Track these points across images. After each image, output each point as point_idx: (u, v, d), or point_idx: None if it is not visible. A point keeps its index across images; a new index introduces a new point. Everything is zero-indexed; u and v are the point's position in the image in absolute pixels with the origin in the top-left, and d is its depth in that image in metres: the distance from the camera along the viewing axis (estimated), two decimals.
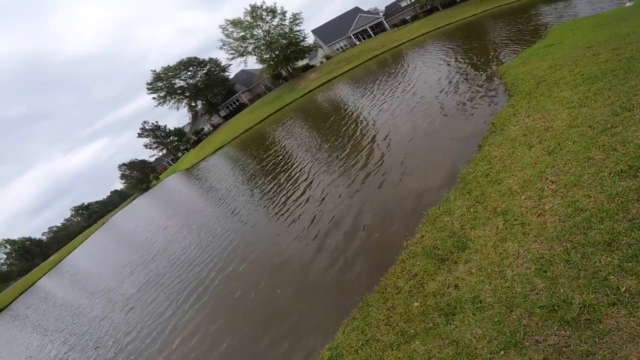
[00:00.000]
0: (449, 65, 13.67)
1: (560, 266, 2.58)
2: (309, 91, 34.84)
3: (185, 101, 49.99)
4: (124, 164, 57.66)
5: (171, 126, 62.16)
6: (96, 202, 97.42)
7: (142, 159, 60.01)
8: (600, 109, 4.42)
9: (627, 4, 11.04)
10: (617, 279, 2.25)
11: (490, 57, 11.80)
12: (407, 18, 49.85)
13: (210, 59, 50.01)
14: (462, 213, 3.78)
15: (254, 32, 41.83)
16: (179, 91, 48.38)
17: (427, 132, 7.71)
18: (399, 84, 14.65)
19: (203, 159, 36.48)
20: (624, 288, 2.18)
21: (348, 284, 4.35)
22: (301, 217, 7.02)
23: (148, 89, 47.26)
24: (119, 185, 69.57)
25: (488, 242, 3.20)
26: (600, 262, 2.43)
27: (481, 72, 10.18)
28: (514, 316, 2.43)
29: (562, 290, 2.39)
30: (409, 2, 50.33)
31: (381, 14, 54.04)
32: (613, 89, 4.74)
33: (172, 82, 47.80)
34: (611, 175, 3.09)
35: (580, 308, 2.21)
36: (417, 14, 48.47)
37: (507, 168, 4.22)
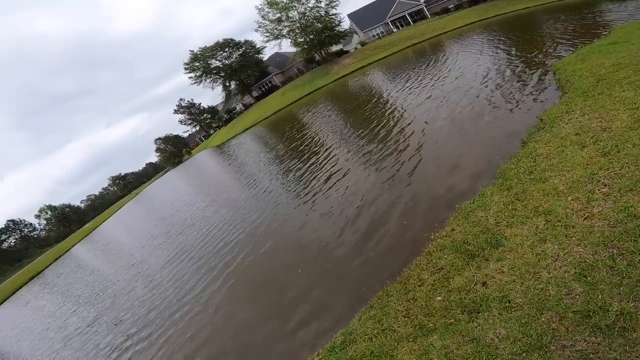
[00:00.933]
0: (494, 57, 12.82)
1: (602, 272, 2.42)
2: (342, 76, 34.15)
3: (220, 81, 51.42)
4: (159, 138, 60.57)
5: (205, 104, 64.02)
6: (132, 173, 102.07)
7: (176, 134, 62.65)
8: None
9: None
10: None
11: (544, 51, 10.88)
12: (450, 7, 46.93)
13: (246, 41, 50.74)
14: (498, 209, 3.57)
15: (290, 14, 41.41)
16: (214, 71, 49.75)
17: (465, 124, 7.38)
18: (437, 73, 13.96)
19: (233, 137, 37.42)
20: None
21: (370, 270, 4.26)
22: (329, 201, 6.99)
23: (185, 68, 48.89)
24: (154, 158, 73.05)
25: (525, 242, 3.00)
26: None
27: (532, 67, 9.42)
28: (543, 319, 2.31)
29: (600, 296, 2.25)
30: None
31: (422, 0, 51.35)
32: None
33: (209, 62, 49.21)
34: None
35: (617, 315, 2.08)
36: (462, 2, 45.52)
37: (554, 167, 3.92)
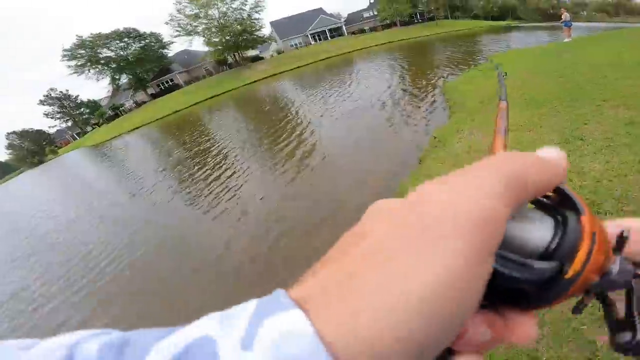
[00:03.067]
0: (395, 75, 13.56)
1: None
2: (253, 81, 32.99)
3: (108, 73, 43.46)
4: (14, 132, 47.82)
5: (84, 97, 53.39)
6: None
7: (39, 129, 50.41)
8: (547, 135, 4.05)
9: (566, 40, 11.98)
10: None
11: (436, 73, 11.86)
12: (365, 28, 51.15)
13: (152, 33, 44.66)
14: None
15: (209, 12, 38.41)
16: (102, 61, 41.86)
17: (366, 139, 6.92)
18: (344, 87, 14.08)
19: (117, 136, 31.56)
20: None
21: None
22: (219, 207, 5.69)
23: (64, 55, 39.80)
24: (3, 155, 57.09)
25: None
26: None
27: (426, 86, 9.97)
28: None
29: None
30: (372, 15, 51.74)
31: (342, 19, 54.57)
32: (560, 115, 4.38)
33: (98, 51, 41.21)
34: None
35: None
36: (376, 26, 50.15)
37: None
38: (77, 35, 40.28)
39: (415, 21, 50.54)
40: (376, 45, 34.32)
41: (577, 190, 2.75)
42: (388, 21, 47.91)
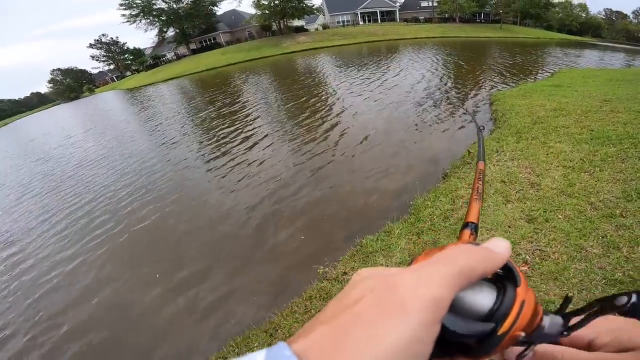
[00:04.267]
0: (439, 73, 12.41)
1: None
2: (291, 52, 32.06)
3: (158, 24, 43.76)
4: (58, 69, 50.13)
5: (131, 45, 54.87)
6: (8, 100, 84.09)
7: (82, 68, 52.60)
8: (607, 182, 3.26)
9: None
10: None
11: (486, 78, 10.66)
12: (420, 18, 47.91)
13: None
14: (402, 260, 2.86)
15: None
16: (154, 12, 42.02)
17: (391, 138, 6.25)
18: (382, 77, 13.05)
19: (151, 84, 32.06)
20: None
21: (231, 307, 2.99)
22: (236, 188, 5.34)
23: (121, 4, 40.47)
24: (44, 88, 60.27)
25: None
26: None
27: (472, 92, 8.94)
28: None
29: None
30: (430, 5, 48.19)
31: (398, 3, 51.31)
32: (629, 161, 3.52)
33: (152, 2, 41.39)
34: (603, 283, 2.22)
35: None
36: (432, 17, 46.78)
37: None
38: None
39: (477, 20, 46.63)
40: (428, 38, 32.02)
41: (622, 261, 2.31)
42: (447, 15, 44.45)
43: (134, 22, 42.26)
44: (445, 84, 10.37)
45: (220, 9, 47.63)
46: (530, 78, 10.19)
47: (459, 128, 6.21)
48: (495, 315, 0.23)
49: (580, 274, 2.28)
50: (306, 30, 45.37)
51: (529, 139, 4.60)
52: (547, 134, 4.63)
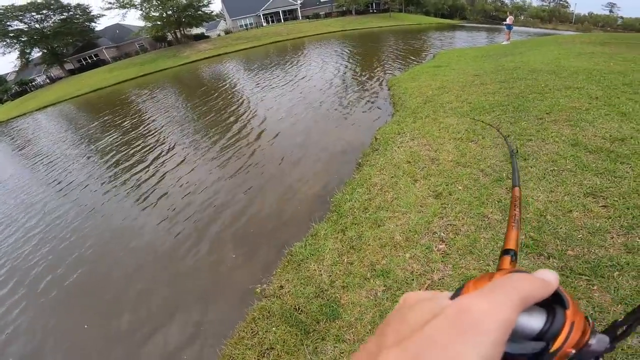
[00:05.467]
0: (342, 66, 12.97)
1: None
2: (193, 61, 30.23)
3: (17, 46, 36.39)
4: None
5: None
6: None
7: None
8: (490, 149, 3.64)
9: (504, 42, 12.29)
10: None
11: (383, 66, 11.45)
12: (321, 13, 49.72)
13: (78, 5, 38.17)
14: (333, 261, 2.85)
15: None
16: (11, 34, 34.86)
17: (304, 134, 6.16)
18: (290, 74, 13.11)
19: (23, 114, 26.62)
20: None
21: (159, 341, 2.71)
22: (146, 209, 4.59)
23: None
24: None
25: (364, 315, 2.29)
26: None
27: (371, 79, 9.49)
28: None
29: None
30: None
31: (299, 1, 52.28)
32: (503, 126, 4.02)
33: (7, 23, 34.20)
34: None
35: None
36: (332, 12, 48.98)
37: (389, 205, 3.24)
38: None
39: (370, 11, 50.54)
40: (329, 33, 33.47)
41: (522, 222, 2.45)
42: (344, 8, 47.12)
43: None
44: (349, 76, 10.80)
45: (100, 25, 41.90)
46: (417, 61, 11.31)
47: (363, 116, 6.45)
48: (547, 335, 0.25)
49: (490, 243, 2.42)
50: (207, 37, 42.91)
51: (423, 118, 4.97)
52: (437, 111, 5.06)
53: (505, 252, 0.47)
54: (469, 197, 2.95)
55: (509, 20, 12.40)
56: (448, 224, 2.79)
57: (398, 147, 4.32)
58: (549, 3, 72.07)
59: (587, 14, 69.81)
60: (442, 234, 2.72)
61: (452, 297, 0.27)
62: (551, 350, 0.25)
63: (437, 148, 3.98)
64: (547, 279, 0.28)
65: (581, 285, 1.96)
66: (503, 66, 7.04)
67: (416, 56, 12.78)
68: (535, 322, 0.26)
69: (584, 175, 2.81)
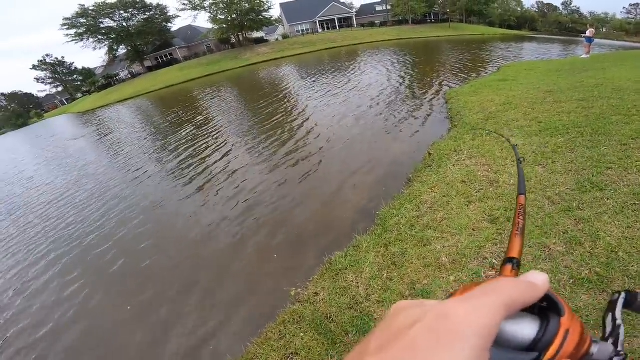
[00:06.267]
0: (396, 75, 12.73)
1: None
2: (253, 64, 31.82)
3: (107, 43, 41.63)
4: (2, 94, 46.35)
5: (80, 65, 52.06)
6: None
7: (28, 92, 49.08)
8: (560, 175, 3.31)
9: (583, 56, 11.15)
10: None
11: (440, 77, 11.02)
12: (376, 22, 49.59)
13: (158, 5, 42.87)
14: (372, 275, 2.78)
15: None
16: (103, 31, 39.98)
17: (356, 143, 6.22)
18: (343, 81, 13.20)
19: (106, 105, 30.26)
20: None
21: (207, 336, 2.82)
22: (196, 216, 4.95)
23: (64, 24, 38.08)
24: None
25: None
26: None
27: (427, 90, 9.19)
28: None
29: None
30: (385, 9, 50.12)
31: (354, 10, 52.77)
32: (578, 151, 3.62)
33: (100, 20, 39.37)
34: (571, 283, 2.17)
35: None
36: (387, 21, 48.60)
37: (438, 225, 3.10)
38: (79, 4, 38.50)
39: (428, 20, 49.11)
40: (384, 41, 33.19)
41: (587, 257, 2.30)
42: (400, 17, 46.41)
43: (80, 40, 39.82)
44: (404, 86, 10.59)
45: (175, 25, 46.50)
46: (479, 74, 10.68)
47: (417, 129, 6.27)
48: (539, 344, 0.24)
49: (548, 275, 2.23)
50: (266, 41, 45.25)
51: (483, 135, 4.68)
52: (500, 129, 4.74)
53: (508, 260, 0.46)
54: (530, 225, 2.72)
55: (589, 32, 11.19)
56: (502, 251, 2.61)
57: (453, 165, 4.13)
58: (636, 16, 63.60)
59: None
60: (494, 261, 2.55)
61: None
62: None
63: (497, 169, 3.73)
64: (535, 282, 0.26)
65: None
66: (582, 82, 6.35)
67: (478, 68, 12.11)
68: (527, 330, 0.25)
69: None
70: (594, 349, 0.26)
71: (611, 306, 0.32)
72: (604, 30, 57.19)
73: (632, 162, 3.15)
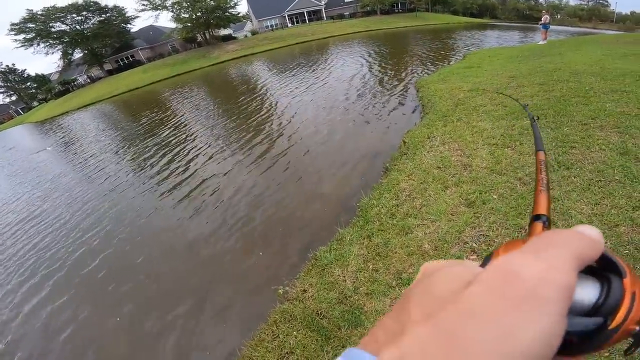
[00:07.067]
0: (368, 67, 12.86)
1: None
2: (222, 62, 31.08)
3: (60, 47, 39.08)
4: None
5: (33, 71, 48.68)
6: None
7: None
8: (528, 155, 3.49)
9: (541, 42, 11.70)
10: None
11: (409, 67, 11.23)
12: (345, 14, 49.58)
13: (115, 7, 40.58)
14: (358, 267, 2.81)
15: None
16: (54, 35, 37.53)
17: (332, 136, 6.21)
18: (316, 75, 13.16)
19: (66, 112, 28.41)
20: None
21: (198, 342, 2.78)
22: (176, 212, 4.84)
23: (11, 29, 35.49)
24: None
25: None
26: None
27: (398, 80, 9.33)
28: None
29: None
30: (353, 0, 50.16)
31: (323, 2, 52.42)
32: (543, 132, 3.80)
33: (50, 25, 36.90)
34: None
35: None
36: (356, 12, 48.73)
37: (418, 212, 3.17)
38: (27, 9, 35.78)
39: (396, 10, 49.73)
40: (352, 33, 33.35)
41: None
42: (369, 8, 46.69)
43: (30, 46, 37.11)
44: (376, 77, 10.68)
45: (135, 26, 44.19)
46: (446, 62, 10.97)
47: (390, 119, 6.35)
48: (602, 309, 0.21)
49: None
50: (235, 38, 44.03)
51: (454, 121, 4.82)
52: (469, 114, 4.89)
53: (536, 217, 0.41)
54: (505, 207, 2.83)
55: (544, 19, 11.77)
56: (481, 234, 2.69)
57: (427, 151, 4.21)
58: (588, 2, 67.89)
59: (629, 13, 65.11)
60: (474, 245, 2.62)
61: (483, 266, 0.23)
62: (610, 327, 0.21)
63: (469, 154, 3.85)
64: (593, 237, 0.22)
65: None
66: (541, 67, 6.67)
67: (445, 56, 12.44)
68: (588, 293, 0.22)
69: (633, 187, 2.63)
70: None
71: None
72: (559, 16, 60.55)
73: (594, 141, 3.35)
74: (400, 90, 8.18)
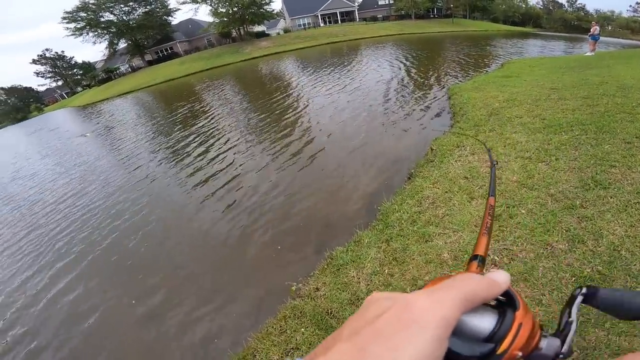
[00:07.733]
0: (399, 70, 12.64)
1: None
2: (254, 58, 31.61)
3: (107, 37, 41.43)
4: (1, 88, 46.40)
5: (80, 59, 52.20)
6: None
7: (28, 86, 49.15)
8: (564, 172, 3.29)
9: (588, 54, 11.05)
10: None
11: (442, 73, 10.94)
12: (378, 16, 49.14)
13: None
14: (373, 271, 2.77)
15: None
16: (103, 25, 39.78)
17: (357, 137, 6.21)
18: (351, 76, 13.10)
19: (106, 99, 30.08)
20: None
21: (207, 331, 2.86)
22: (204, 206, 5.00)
23: (64, 17, 37.89)
24: None
25: None
26: None
27: (430, 87, 9.11)
28: None
29: None
30: (387, 2, 49.58)
31: (357, 3, 52.25)
32: (582, 148, 3.59)
33: (100, 14, 39.13)
34: (573, 281, 2.16)
35: None
36: (390, 15, 48.16)
37: (440, 221, 3.09)
38: None
39: (431, 16, 48.63)
40: (385, 36, 32.92)
41: (589, 256, 2.28)
42: (403, 12, 45.95)
43: (80, 35, 39.59)
44: (406, 81, 10.51)
45: (176, 19, 46.14)
46: (483, 70, 10.59)
47: (419, 125, 6.25)
48: (495, 336, 0.26)
49: (549, 272, 2.22)
50: (268, 35, 44.90)
51: (486, 132, 4.66)
52: (503, 126, 4.71)
53: (474, 257, 0.48)
54: (533, 222, 2.71)
55: (594, 30, 11.08)
56: (504, 248, 2.60)
57: (456, 160, 4.11)
58: None
59: None
60: (496, 258, 2.54)
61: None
62: (498, 352, 0.25)
63: (500, 166, 3.71)
64: (496, 280, 0.28)
65: None
66: (586, 80, 6.29)
67: (480, 65, 12.00)
68: (486, 323, 0.27)
69: None
70: (543, 343, 0.27)
71: (570, 301, 0.33)
72: (610, 28, 56.55)
73: (636, 161, 3.13)
74: (431, 97, 8.00)
